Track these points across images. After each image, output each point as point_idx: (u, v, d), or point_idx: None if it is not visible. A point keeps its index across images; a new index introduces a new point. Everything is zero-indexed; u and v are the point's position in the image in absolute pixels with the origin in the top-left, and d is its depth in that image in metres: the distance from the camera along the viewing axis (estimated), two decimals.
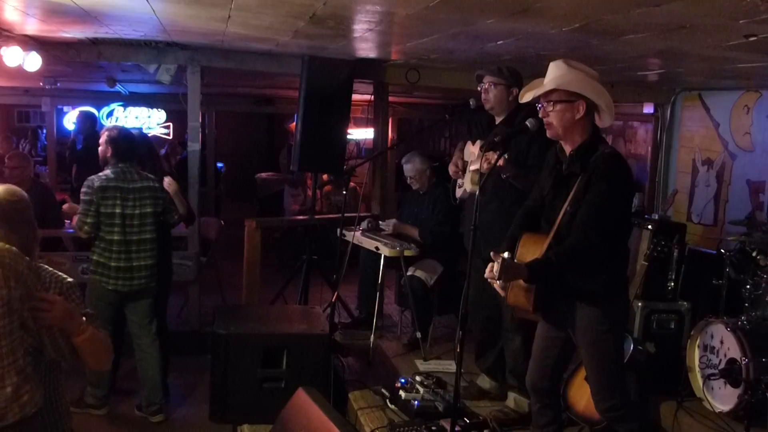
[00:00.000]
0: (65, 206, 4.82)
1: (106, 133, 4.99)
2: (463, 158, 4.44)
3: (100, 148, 4.96)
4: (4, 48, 4.95)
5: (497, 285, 3.11)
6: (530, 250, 3.17)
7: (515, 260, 3.14)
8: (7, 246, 2.39)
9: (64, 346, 2.49)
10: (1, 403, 2.27)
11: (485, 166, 3.77)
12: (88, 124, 9.00)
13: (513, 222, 3.46)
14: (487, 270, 3.03)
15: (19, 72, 5.47)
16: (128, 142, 4.94)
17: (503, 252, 3.08)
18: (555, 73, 3.15)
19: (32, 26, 4.87)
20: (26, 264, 2.40)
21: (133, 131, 5.00)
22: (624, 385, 3.29)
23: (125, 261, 4.79)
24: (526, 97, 3.25)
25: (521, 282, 3.13)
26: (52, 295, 2.46)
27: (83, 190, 4.78)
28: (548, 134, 3.22)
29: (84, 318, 2.54)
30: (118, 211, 4.75)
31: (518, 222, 3.43)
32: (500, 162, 3.58)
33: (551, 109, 3.13)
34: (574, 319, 3.23)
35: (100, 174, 4.82)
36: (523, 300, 3.21)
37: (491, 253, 3.03)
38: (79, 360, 2.55)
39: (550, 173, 3.34)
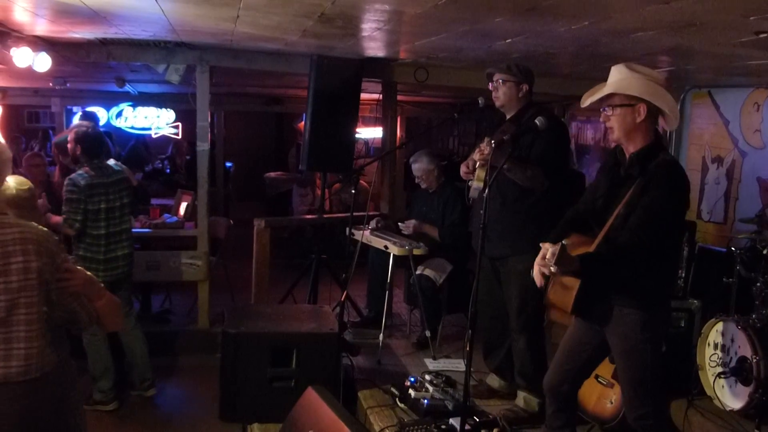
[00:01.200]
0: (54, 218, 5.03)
1: (73, 132, 5.20)
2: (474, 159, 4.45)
3: (68, 146, 5.19)
4: (14, 48, 4.97)
5: (540, 277, 3.05)
6: (578, 249, 3.12)
7: None
8: (40, 226, 2.68)
9: (93, 310, 2.77)
10: (29, 360, 2.56)
11: (477, 155, 3.78)
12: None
13: (561, 220, 3.40)
14: (539, 257, 2.99)
15: (29, 72, 5.49)
16: (96, 139, 5.16)
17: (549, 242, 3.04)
18: (615, 77, 3.13)
19: (42, 27, 4.89)
20: (54, 242, 2.67)
21: (96, 129, 5.33)
22: (657, 394, 3.22)
23: (111, 252, 5.06)
24: (587, 102, 3.20)
25: (564, 280, 3.11)
26: (74, 266, 2.73)
27: (69, 188, 4.95)
28: (610, 138, 3.20)
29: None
30: (103, 206, 5.01)
31: (566, 220, 3.38)
32: (486, 151, 3.59)
33: (611, 113, 3.10)
34: (613, 325, 3.17)
35: (81, 172, 5.01)
36: (562, 299, 3.17)
37: (542, 244, 3.01)
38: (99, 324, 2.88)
39: (606, 174, 3.30)
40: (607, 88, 3.11)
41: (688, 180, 3.19)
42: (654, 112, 3.10)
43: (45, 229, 2.68)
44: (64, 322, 2.75)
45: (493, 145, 3.64)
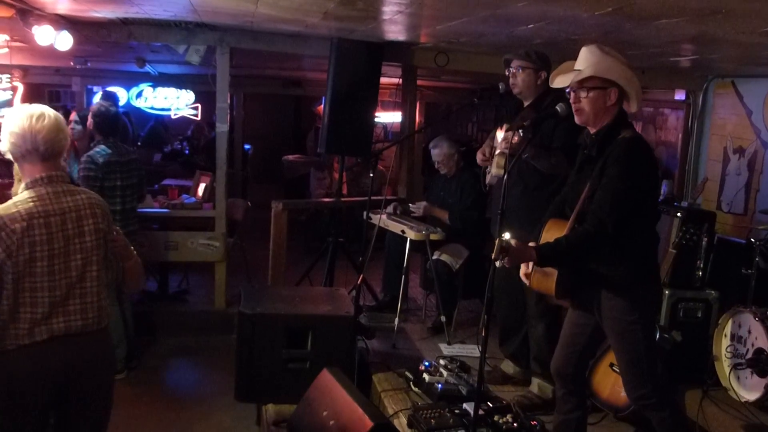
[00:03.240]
0: None
1: (91, 108, 5.47)
2: (492, 146, 4.43)
3: (87, 123, 5.41)
4: (35, 27, 5.00)
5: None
6: (554, 235, 3.15)
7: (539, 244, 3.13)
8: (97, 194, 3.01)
9: (119, 270, 3.12)
10: (100, 311, 2.89)
11: (503, 145, 3.76)
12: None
13: (551, 206, 3.44)
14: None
15: (51, 51, 5.53)
16: (111, 117, 5.34)
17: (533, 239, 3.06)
18: (591, 60, 3.10)
19: (64, 5, 4.91)
20: (108, 208, 3.02)
21: (113, 109, 5.51)
22: (656, 373, 3.25)
23: (126, 227, 5.18)
24: (558, 81, 3.21)
25: (544, 268, 3.12)
26: (117, 229, 3.07)
27: (87, 166, 5.09)
28: (577, 120, 3.19)
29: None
30: (118, 183, 5.21)
31: (552, 208, 3.41)
32: (515, 139, 3.57)
33: (585, 95, 3.09)
34: (602, 308, 3.20)
35: (98, 150, 5.16)
36: (545, 285, 3.20)
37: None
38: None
39: (579, 157, 3.32)
40: (587, 70, 3.08)
41: (649, 154, 3.18)
42: (622, 97, 3.11)
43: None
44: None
45: (521, 134, 3.62)
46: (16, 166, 2.83)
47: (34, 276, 2.67)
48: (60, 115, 2.80)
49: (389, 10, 4.20)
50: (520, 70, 4.16)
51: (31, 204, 2.67)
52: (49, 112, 2.74)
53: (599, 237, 3.00)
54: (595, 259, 3.14)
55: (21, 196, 2.71)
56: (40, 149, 2.69)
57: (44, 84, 12.00)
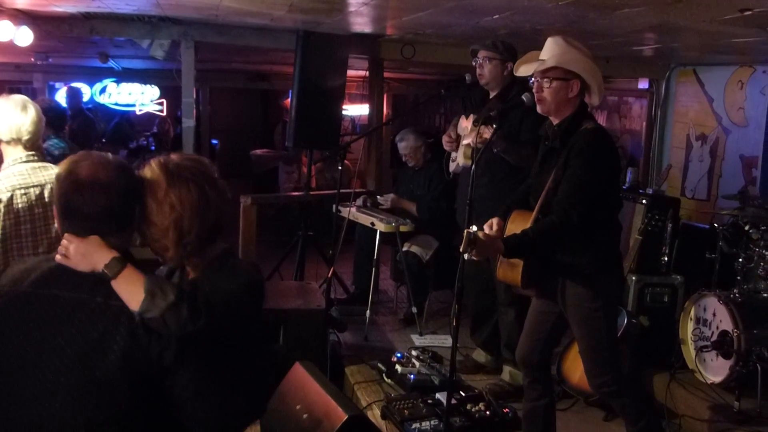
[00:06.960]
0: None
1: (42, 107, 5.35)
2: (456, 132, 4.45)
3: None
4: None
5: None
6: (518, 226, 3.17)
7: (504, 235, 3.15)
8: None
9: None
10: None
11: (478, 140, 3.78)
12: (76, 99, 9.12)
13: (512, 195, 3.46)
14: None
15: (10, 47, 5.41)
16: (61, 113, 5.38)
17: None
18: (555, 51, 3.12)
19: (23, 0, 4.82)
20: None
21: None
22: (617, 361, 3.29)
23: None
24: (522, 70, 3.23)
25: (510, 258, 3.15)
26: None
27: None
28: (539, 109, 3.21)
29: None
30: None
31: (514, 198, 3.43)
32: (486, 134, 3.59)
33: (548, 86, 3.11)
34: (565, 296, 3.23)
35: (52, 143, 5.08)
36: (510, 276, 3.23)
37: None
38: None
39: (540, 149, 3.34)
40: (550, 60, 3.10)
41: (611, 145, 3.22)
42: (584, 89, 3.14)
43: None
44: None
45: (494, 127, 3.64)
46: None
47: (20, 237, 3.19)
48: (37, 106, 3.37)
49: (355, 2, 4.19)
50: (487, 61, 4.18)
51: (13, 178, 3.21)
52: (31, 104, 3.33)
53: (565, 227, 3.03)
54: (559, 248, 3.17)
55: (4, 173, 3.23)
56: (23, 138, 3.24)
57: (4, 81, 11.78)
